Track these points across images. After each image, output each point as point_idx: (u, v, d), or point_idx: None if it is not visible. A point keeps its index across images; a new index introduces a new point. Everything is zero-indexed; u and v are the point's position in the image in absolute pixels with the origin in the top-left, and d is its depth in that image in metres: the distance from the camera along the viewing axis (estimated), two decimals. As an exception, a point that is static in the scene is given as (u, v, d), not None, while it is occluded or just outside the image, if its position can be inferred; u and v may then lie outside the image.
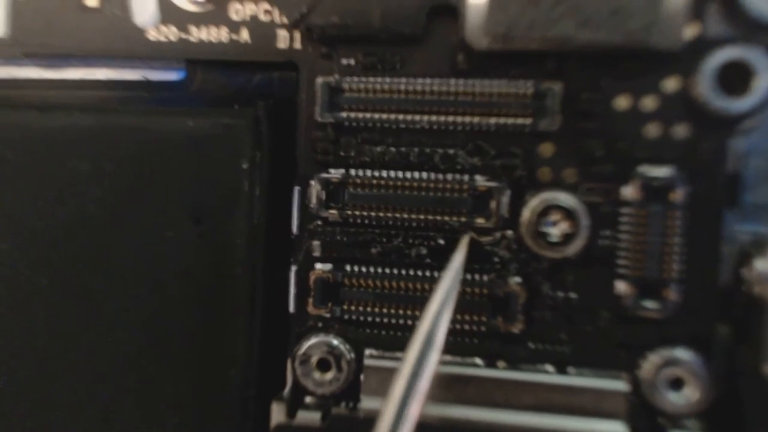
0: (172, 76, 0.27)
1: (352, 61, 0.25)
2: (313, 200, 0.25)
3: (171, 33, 0.26)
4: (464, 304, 0.24)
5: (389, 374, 0.24)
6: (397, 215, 0.24)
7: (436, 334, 0.22)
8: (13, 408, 0.26)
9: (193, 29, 0.26)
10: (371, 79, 0.24)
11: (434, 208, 0.24)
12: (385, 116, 0.24)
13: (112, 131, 0.26)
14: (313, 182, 0.25)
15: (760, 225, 0.23)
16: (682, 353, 0.23)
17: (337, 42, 0.25)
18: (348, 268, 0.25)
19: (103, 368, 0.26)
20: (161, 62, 0.27)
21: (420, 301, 0.24)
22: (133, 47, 0.26)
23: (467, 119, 0.24)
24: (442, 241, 0.24)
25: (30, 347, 0.26)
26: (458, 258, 0.23)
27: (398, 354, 0.25)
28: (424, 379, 0.21)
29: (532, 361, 0.24)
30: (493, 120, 0.24)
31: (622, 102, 0.23)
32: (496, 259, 0.24)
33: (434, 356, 0.21)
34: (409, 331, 0.25)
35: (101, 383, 0.26)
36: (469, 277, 0.24)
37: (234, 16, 0.25)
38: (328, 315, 0.25)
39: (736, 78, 0.22)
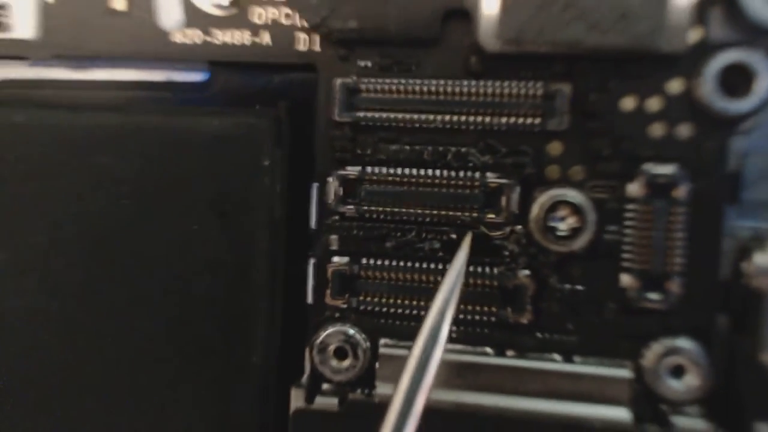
0: (195, 77, 0.28)
1: (369, 63, 0.25)
2: (331, 196, 0.26)
3: (195, 36, 0.27)
4: (475, 296, 0.25)
5: (403, 362, 0.25)
6: (411, 211, 0.25)
7: (440, 330, 0.22)
8: (39, 400, 0.27)
9: (216, 32, 0.27)
10: (387, 80, 0.25)
11: (447, 203, 0.25)
12: (400, 116, 0.25)
13: (140, 130, 0.27)
14: (330, 179, 0.26)
15: (759, 221, 0.24)
16: (684, 342, 0.24)
17: (355, 45, 0.25)
18: (364, 261, 0.26)
19: (129, 356, 0.27)
20: (185, 64, 0.28)
21: (432, 293, 0.25)
22: (159, 49, 0.27)
23: (479, 119, 0.25)
24: (454, 236, 0.25)
25: (62, 338, 0.27)
26: (461, 256, 0.24)
27: (412, 343, 0.26)
28: (429, 373, 0.22)
29: (539, 350, 0.25)
30: (504, 120, 0.24)
31: (628, 103, 0.24)
32: (506, 253, 0.25)
33: (438, 352, 0.22)
34: (422, 321, 0.25)
35: (127, 370, 0.27)
36: (480, 269, 0.25)
37: (256, 20, 0.26)
38: (344, 306, 0.26)
39: (737, 80, 0.23)
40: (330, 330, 0.26)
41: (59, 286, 0.27)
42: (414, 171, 0.25)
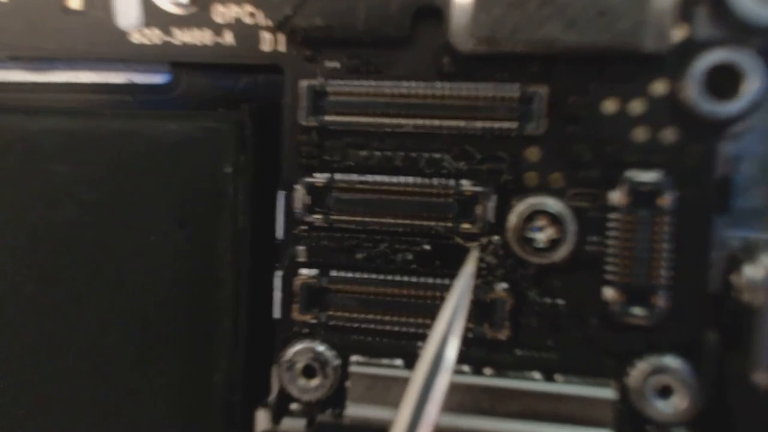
0: (157, 79, 0.27)
1: (337, 64, 0.24)
2: (298, 205, 0.25)
3: (155, 35, 0.26)
4: (450, 310, 0.24)
5: (375, 381, 0.24)
6: (383, 220, 0.24)
7: (445, 354, 0.20)
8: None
9: (177, 32, 0.25)
10: (356, 82, 0.24)
11: (420, 212, 0.24)
12: (369, 120, 0.24)
13: (97, 135, 0.25)
14: (297, 186, 0.25)
15: (751, 230, 0.23)
16: (671, 361, 0.23)
17: (321, 44, 0.24)
18: (333, 273, 0.25)
19: (88, 373, 0.26)
20: (146, 65, 0.27)
21: (406, 307, 0.24)
22: (117, 50, 0.26)
23: (453, 123, 0.24)
24: (427, 247, 0.24)
25: (15, 351, 0.26)
26: (467, 272, 0.22)
27: (384, 360, 0.25)
28: (433, 405, 0.20)
29: (518, 368, 0.24)
30: (479, 124, 0.23)
31: (609, 106, 0.23)
32: (483, 265, 0.24)
33: (444, 379, 0.20)
34: (395, 337, 0.25)
35: (86, 388, 0.26)
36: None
37: (218, 19, 0.25)
38: (313, 321, 0.25)
39: (724, 81, 0.22)
40: (298, 347, 0.25)
41: (11, 299, 0.26)
42: (385, 178, 0.24)
